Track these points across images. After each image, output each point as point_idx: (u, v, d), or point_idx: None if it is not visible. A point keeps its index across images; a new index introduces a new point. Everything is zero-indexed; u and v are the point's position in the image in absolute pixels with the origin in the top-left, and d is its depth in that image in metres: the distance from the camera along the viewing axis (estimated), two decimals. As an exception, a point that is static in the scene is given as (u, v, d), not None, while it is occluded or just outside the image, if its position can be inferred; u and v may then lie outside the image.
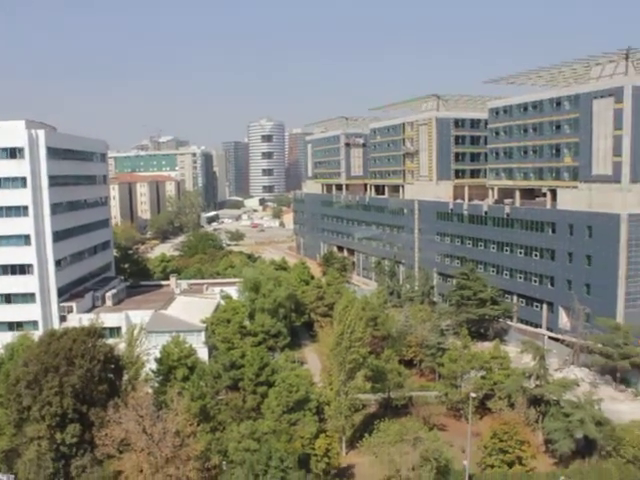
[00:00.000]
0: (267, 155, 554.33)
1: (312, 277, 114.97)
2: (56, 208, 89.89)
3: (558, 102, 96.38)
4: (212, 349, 79.97)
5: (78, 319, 79.75)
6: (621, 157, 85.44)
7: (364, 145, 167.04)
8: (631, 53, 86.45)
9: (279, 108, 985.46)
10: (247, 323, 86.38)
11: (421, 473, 46.39)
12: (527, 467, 53.18)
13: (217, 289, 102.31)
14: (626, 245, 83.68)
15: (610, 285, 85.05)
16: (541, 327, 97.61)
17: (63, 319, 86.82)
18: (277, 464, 46.59)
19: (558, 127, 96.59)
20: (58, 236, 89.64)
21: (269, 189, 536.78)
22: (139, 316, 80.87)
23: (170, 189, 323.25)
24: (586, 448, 56.48)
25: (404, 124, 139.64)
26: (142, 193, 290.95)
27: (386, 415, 60.34)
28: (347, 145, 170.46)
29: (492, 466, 53.26)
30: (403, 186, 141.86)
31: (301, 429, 54.83)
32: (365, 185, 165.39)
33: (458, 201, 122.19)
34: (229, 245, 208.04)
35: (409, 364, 78.82)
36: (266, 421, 56.02)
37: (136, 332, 61.79)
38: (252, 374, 62.19)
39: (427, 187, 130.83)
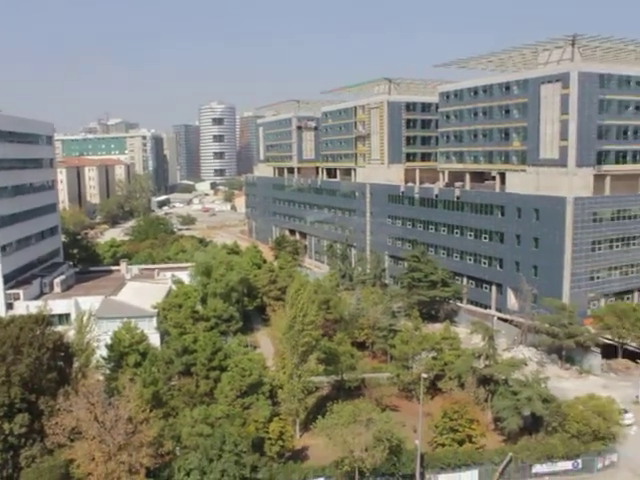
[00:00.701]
0: (218, 138, 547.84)
1: (264, 261, 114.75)
2: (1, 192, 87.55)
3: (507, 87, 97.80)
4: (164, 335, 79.31)
5: (25, 306, 78.08)
6: (567, 141, 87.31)
7: (316, 128, 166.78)
8: (577, 40, 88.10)
9: (230, 91, 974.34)
10: (199, 308, 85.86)
11: (374, 453, 46.94)
12: (477, 445, 54.41)
13: (168, 274, 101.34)
14: (572, 227, 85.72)
15: (556, 266, 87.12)
16: (490, 308, 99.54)
17: (10, 307, 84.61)
18: (231, 448, 46.59)
19: (507, 111, 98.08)
20: (3, 221, 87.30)
21: (220, 173, 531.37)
22: (89, 302, 79.56)
23: (120, 173, 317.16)
24: (533, 425, 58.02)
25: (356, 107, 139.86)
26: (91, 177, 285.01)
27: (339, 397, 60.86)
28: (299, 128, 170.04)
29: (443, 445, 54.35)
30: (355, 169, 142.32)
31: (255, 413, 54.94)
32: (317, 168, 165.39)
33: (409, 184, 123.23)
34: (180, 230, 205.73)
35: (361, 346, 79.48)
36: (219, 406, 55.94)
37: (86, 319, 60.73)
38: (205, 359, 61.92)
39: (379, 170, 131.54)
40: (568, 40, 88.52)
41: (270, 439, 52.37)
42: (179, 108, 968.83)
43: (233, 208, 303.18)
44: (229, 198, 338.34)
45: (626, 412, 61.57)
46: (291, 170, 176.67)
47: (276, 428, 52.67)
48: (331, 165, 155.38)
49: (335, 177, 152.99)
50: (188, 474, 46.30)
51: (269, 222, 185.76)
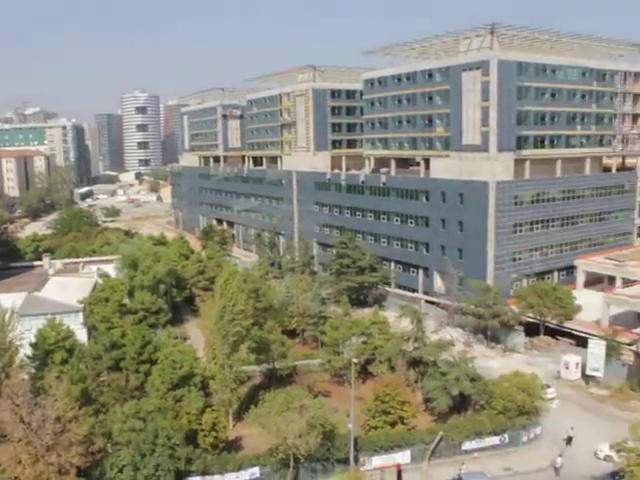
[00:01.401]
0: (142, 128, 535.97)
1: (192, 251, 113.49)
2: None
3: (430, 74, 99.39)
4: (91, 330, 77.39)
5: (-58, 305, 74.78)
6: (488, 127, 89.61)
7: (241, 116, 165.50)
8: (496, 29, 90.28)
9: (153, 79, 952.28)
10: (126, 301, 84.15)
11: (308, 439, 47.23)
12: (409, 426, 55.38)
13: (94, 267, 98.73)
14: (494, 211, 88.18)
15: (480, 249, 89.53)
16: (418, 292, 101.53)
17: None
18: (164, 442, 46.06)
19: (430, 98, 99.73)
20: None
21: (145, 163, 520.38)
22: (10, 299, 76.22)
23: (39, 165, 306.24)
24: (462, 404, 59.54)
25: (281, 95, 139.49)
26: (8, 169, 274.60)
27: (271, 385, 60.97)
28: (224, 117, 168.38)
29: (376, 427, 55.13)
30: (281, 157, 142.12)
31: (187, 405, 54.42)
32: (243, 157, 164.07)
33: (336, 171, 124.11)
34: (105, 222, 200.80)
35: (292, 334, 79.68)
36: (151, 399, 55.12)
37: (7, 317, 58.38)
38: (134, 353, 60.88)
39: (305, 158, 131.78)
40: (487, 29, 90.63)
41: (203, 431, 51.97)
42: (101, 97, 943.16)
43: (159, 199, 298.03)
44: (154, 188, 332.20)
45: (548, 387, 63.93)
46: (217, 159, 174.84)
47: (209, 419, 52.32)
48: (257, 153, 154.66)
49: (261, 165, 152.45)
50: (121, 471, 45.47)
51: (196, 212, 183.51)
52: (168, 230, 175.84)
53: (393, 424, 55.06)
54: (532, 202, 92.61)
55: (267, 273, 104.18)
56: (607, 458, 51.56)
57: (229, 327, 57.30)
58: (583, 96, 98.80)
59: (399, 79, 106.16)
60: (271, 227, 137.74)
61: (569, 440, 55.69)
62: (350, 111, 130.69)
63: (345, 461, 50.44)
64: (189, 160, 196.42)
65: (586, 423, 58.86)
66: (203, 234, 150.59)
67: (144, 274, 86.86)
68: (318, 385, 65.37)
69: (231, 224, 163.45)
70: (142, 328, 66.36)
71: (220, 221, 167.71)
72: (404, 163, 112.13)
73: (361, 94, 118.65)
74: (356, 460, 50.98)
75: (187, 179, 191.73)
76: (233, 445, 54.89)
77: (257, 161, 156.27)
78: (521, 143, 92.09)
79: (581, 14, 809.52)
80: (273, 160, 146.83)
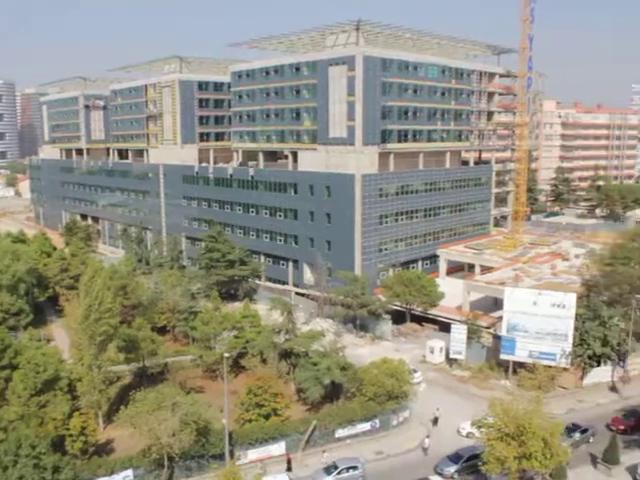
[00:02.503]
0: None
1: (55, 248, 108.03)
2: None
3: (297, 68, 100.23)
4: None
5: None
6: (354, 121, 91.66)
7: (105, 107, 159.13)
8: (361, 25, 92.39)
9: (8, 65, 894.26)
10: (-18, 302, 79.15)
11: (181, 437, 46.53)
12: (282, 417, 55.94)
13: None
14: (361, 203, 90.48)
15: (348, 241, 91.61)
16: (288, 284, 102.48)
17: None
18: (28, 452, 43.54)
19: (298, 92, 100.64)
20: None
21: (2, 155, 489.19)
22: None
23: None
24: (334, 392, 60.75)
25: (146, 86, 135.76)
26: None
27: (142, 384, 59.33)
28: (86, 107, 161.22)
29: (250, 420, 55.19)
30: (147, 150, 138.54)
31: (53, 410, 51.90)
32: (108, 149, 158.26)
33: (204, 164, 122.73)
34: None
35: (162, 330, 78.03)
36: (12, 407, 52.10)
37: None
38: (-8, 358, 57.35)
39: (172, 151, 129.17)
40: (353, 25, 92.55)
41: (72, 436, 49.80)
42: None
43: (17, 193, 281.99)
44: (12, 183, 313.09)
45: (415, 372, 66.67)
46: (80, 152, 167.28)
47: (77, 423, 50.20)
48: (122, 146, 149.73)
49: (127, 158, 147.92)
50: (-20, 487, 42.71)
51: (58, 207, 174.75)
52: (28, 227, 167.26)
53: (267, 416, 55.39)
54: (396, 194, 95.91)
55: (135, 269, 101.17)
56: (469, 435, 54.52)
57: (96, 326, 55.12)
58: (443, 93, 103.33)
59: (267, 72, 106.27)
60: (138, 222, 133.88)
61: (435, 420, 58.43)
62: (218, 104, 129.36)
63: (221, 456, 50.14)
64: (50, 152, 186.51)
65: (450, 403, 61.84)
66: (66, 230, 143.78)
67: (2, 273, 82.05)
68: (190, 381, 64.71)
69: (96, 219, 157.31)
70: (1, 331, 62.43)
71: (84, 216, 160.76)
72: (272, 156, 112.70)
73: (229, 86, 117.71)
74: (232, 455, 50.82)
75: (48, 173, 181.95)
76: (104, 449, 53.11)
77: (122, 154, 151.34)
78: (385, 137, 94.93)
79: (442, 14, 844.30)
80: (139, 153, 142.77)
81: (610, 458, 49.90)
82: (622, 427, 56.75)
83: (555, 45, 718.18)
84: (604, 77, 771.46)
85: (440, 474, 50.19)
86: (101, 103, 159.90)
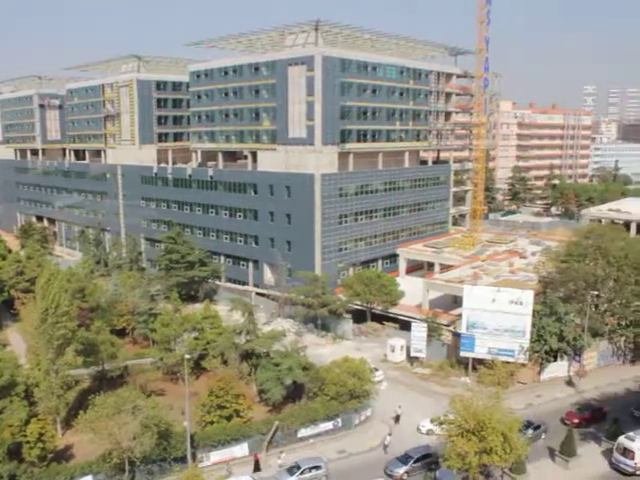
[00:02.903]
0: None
1: (10, 251, 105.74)
2: None
3: (256, 67, 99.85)
4: None
5: None
6: (314, 121, 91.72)
7: (61, 107, 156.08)
8: (320, 25, 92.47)
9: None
10: None
11: (142, 441, 46.00)
12: (244, 418, 55.70)
13: None
14: (320, 203, 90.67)
15: (308, 240, 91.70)
16: (248, 284, 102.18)
17: None
18: (-17, 459, 42.77)
19: (257, 92, 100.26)
20: None
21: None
22: None
23: None
24: (296, 392, 60.80)
25: (104, 85, 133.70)
26: None
27: (102, 388, 58.59)
28: (42, 106, 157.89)
29: (212, 422, 54.82)
30: (105, 150, 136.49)
31: (9, 417, 50.77)
32: (64, 150, 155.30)
33: (162, 165, 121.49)
34: None
35: (122, 333, 77.07)
36: (-34, 415, 50.98)
37: None
38: (-56, 364, 55.85)
39: (130, 151, 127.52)
40: (312, 25, 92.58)
41: (29, 442, 48.77)
42: None
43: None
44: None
45: (376, 370, 67.01)
46: (35, 152, 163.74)
47: (35, 430, 49.21)
48: (79, 146, 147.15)
49: (84, 159, 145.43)
50: None
51: (13, 209, 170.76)
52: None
53: (229, 418, 55.15)
54: (356, 194, 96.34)
55: (93, 271, 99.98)
56: (429, 432, 55.01)
57: (53, 330, 54.17)
58: (401, 93, 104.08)
59: (226, 72, 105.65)
60: (96, 223, 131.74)
61: (397, 418, 58.88)
62: (176, 103, 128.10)
63: (183, 459, 49.77)
64: (3, 153, 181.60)
65: (412, 401, 62.44)
66: (21, 232, 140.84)
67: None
68: (151, 384, 64.03)
69: (52, 221, 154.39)
70: (-47, 335, 61.14)
71: (40, 218, 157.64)
72: (232, 156, 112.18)
73: (187, 86, 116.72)
74: (194, 457, 50.49)
75: (2, 173, 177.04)
76: (63, 455, 52.20)
77: (79, 154, 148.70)
78: (345, 137, 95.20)
79: (402, 16, 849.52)
80: (97, 153, 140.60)
81: (567, 451, 51.01)
82: (576, 421, 57.95)
83: (510, 46, 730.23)
84: (557, 79, 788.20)
85: (390, 475, 50.26)
86: (57, 102, 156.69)
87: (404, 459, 50.98)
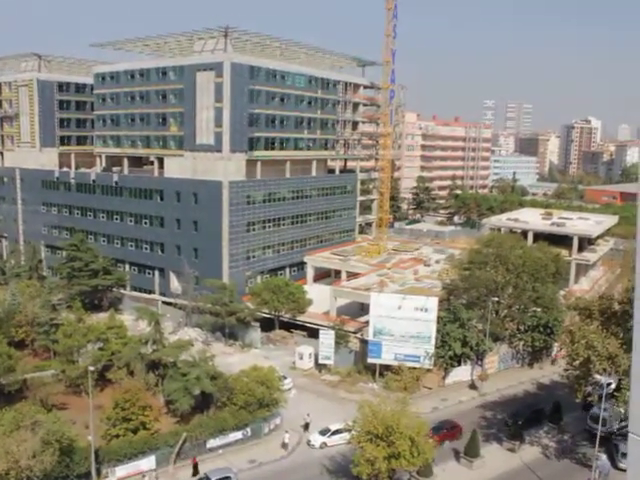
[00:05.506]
0: None
1: None
2: None
3: (164, 72, 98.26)
4: None
5: None
6: (222, 128, 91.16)
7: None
8: (230, 32, 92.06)
9: None
10: None
11: (43, 458, 44.10)
12: (151, 430, 54.50)
13: None
14: (228, 210, 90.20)
15: (215, 248, 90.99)
16: (154, 293, 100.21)
17: None
18: None
19: (164, 96, 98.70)
20: None
21: None
22: None
23: None
24: (204, 402, 60.05)
25: (1, 84, 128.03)
26: None
27: (-2, 403, 56.12)
28: None
29: (117, 436, 53.27)
30: (2, 153, 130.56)
31: None
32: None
33: (64, 169, 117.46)
34: None
35: (20, 345, 73.90)
36: None
37: None
38: None
39: (30, 154, 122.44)
40: (221, 32, 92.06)
41: None
42: None
43: None
44: None
45: (285, 378, 67.13)
46: None
47: None
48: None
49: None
50: None
51: None
52: None
53: (135, 430, 53.80)
54: (264, 201, 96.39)
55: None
56: (322, 445, 55.89)
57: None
58: (309, 102, 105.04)
59: (132, 75, 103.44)
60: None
61: (306, 426, 59.20)
62: (80, 106, 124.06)
63: (87, 475, 48.16)
64: None
65: (321, 408, 62.89)
66: None
67: None
68: (52, 398, 61.46)
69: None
70: None
71: None
72: (138, 162, 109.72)
73: (92, 89, 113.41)
74: (98, 473, 48.99)
75: None
76: (-46, 476, 49.46)
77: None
78: (253, 144, 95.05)
79: (311, 26, 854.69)
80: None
81: (471, 452, 52.83)
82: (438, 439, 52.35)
83: (415, 60, 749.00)
84: (459, 92, 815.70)
85: None
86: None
87: None
